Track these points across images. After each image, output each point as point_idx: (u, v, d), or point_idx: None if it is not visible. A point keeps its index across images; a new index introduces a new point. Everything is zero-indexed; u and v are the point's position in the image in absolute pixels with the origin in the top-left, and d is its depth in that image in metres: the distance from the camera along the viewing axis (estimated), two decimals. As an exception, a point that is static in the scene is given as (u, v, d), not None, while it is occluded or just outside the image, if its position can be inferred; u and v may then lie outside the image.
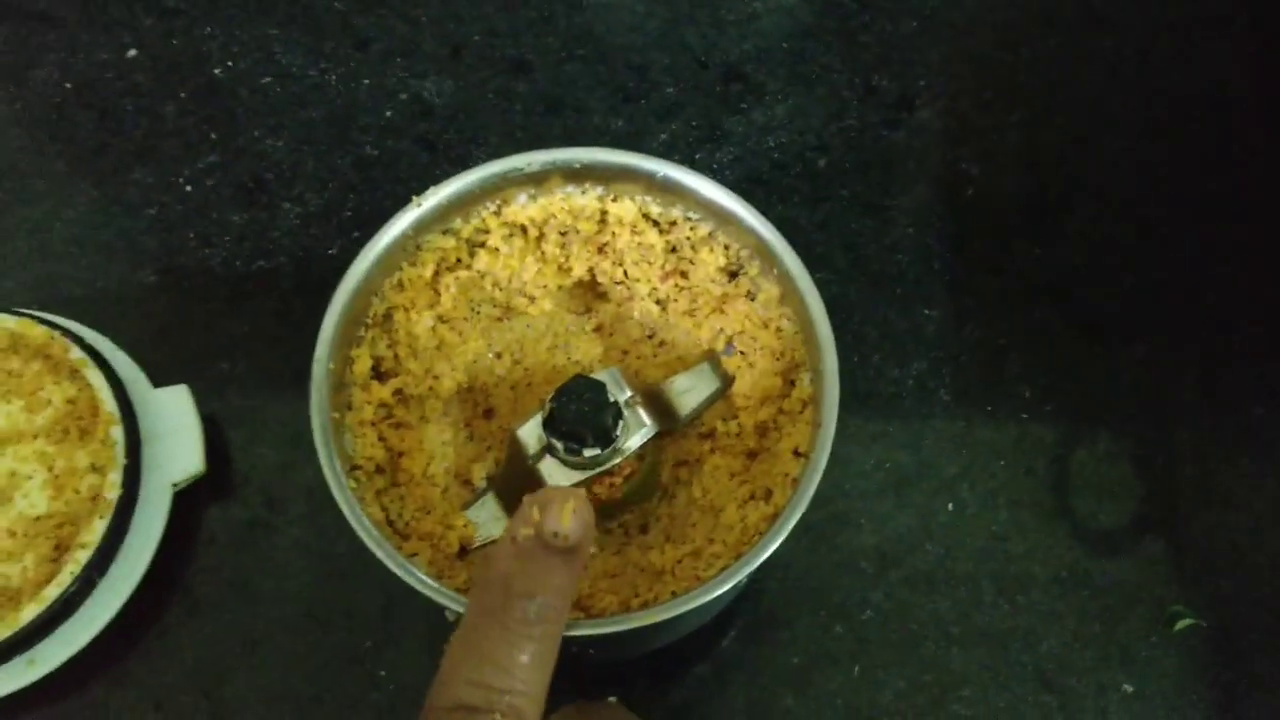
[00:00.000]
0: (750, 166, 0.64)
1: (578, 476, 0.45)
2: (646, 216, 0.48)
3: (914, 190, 0.64)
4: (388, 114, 0.66)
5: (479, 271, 0.49)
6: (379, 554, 0.39)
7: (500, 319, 0.51)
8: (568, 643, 0.36)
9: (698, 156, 0.64)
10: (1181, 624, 0.55)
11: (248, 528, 0.56)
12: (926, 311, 0.61)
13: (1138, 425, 0.58)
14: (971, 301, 0.61)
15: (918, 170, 0.64)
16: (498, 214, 0.48)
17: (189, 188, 0.64)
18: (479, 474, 0.50)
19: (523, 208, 0.48)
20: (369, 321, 0.46)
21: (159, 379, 0.57)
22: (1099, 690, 0.54)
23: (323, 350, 0.43)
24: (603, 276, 0.50)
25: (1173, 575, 0.55)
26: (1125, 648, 0.54)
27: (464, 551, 0.46)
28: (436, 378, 0.48)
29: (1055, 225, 0.63)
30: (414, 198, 0.45)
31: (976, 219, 0.63)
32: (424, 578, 0.39)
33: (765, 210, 0.44)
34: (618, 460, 0.45)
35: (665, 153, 0.63)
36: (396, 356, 0.47)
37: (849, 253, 0.62)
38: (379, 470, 0.45)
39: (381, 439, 0.46)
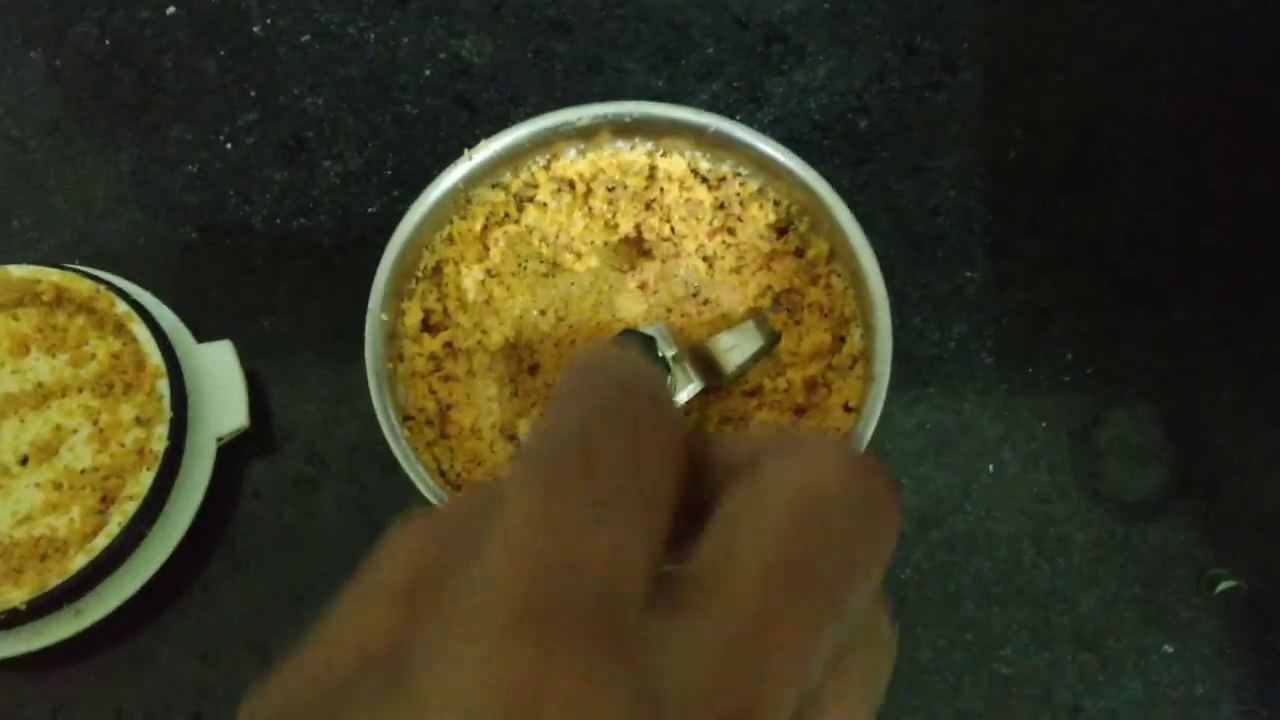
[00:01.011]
0: (791, 128, 0.64)
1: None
2: (695, 172, 0.48)
3: (956, 152, 0.63)
4: (427, 73, 0.66)
5: (527, 227, 0.49)
6: (435, 501, 0.39)
7: (546, 275, 0.51)
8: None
9: (738, 117, 0.63)
10: (1222, 586, 0.55)
11: (291, 483, 0.57)
12: (968, 274, 0.61)
13: (1178, 389, 0.58)
14: (1013, 264, 0.61)
15: (960, 132, 0.64)
16: (547, 169, 0.48)
17: (229, 145, 0.64)
18: (524, 429, 0.50)
19: (572, 163, 0.48)
20: (419, 274, 0.46)
21: (202, 335, 0.57)
22: (1139, 651, 0.54)
23: (376, 301, 0.43)
24: (649, 233, 0.50)
25: (1212, 539, 0.55)
26: (1165, 609, 0.54)
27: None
28: (485, 332, 0.49)
29: (1098, 187, 0.63)
30: (466, 151, 0.45)
31: (1018, 181, 0.63)
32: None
33: (809, 170, 0.44)
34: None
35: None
36: (445, 310, 0.47)
37: (890, 215, 0.62)
38: (429, 422, 0.46)
39: (432, 391, 0.46)
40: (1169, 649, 0.54)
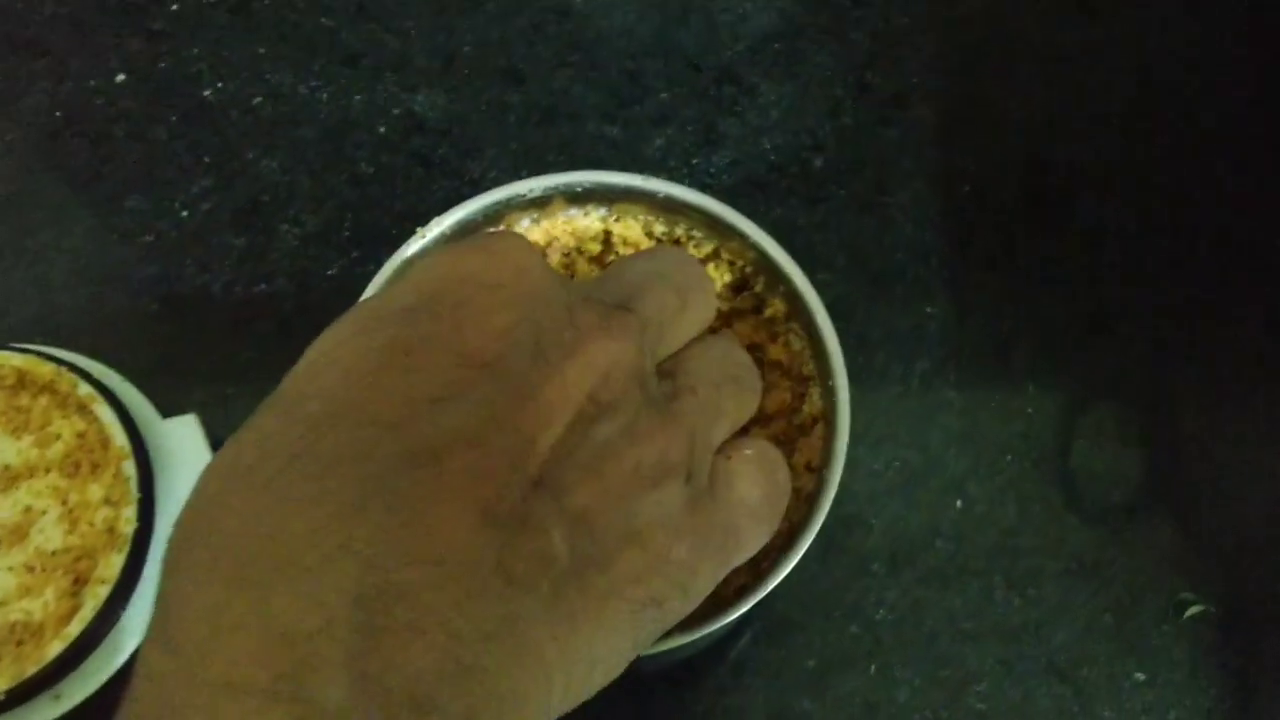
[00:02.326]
0: (748, 169, 0.64)
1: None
2: (650, 235, 0.48)
3: (911, 187, 0.64)
4: (381, 130, 0.66)
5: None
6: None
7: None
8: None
9: (694, 161, 0.64)
10: (1191, 611, 0.55)
11: (263, 553, 0.56)
12: (929, 309, 0.61)
13: (1143, 415, 0.59)
14: (973, 296, 0.62)
15: (914, 167, 0.65)
16: (502, 239, 0.48)
17: (185, 213, 0.64)
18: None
19: (526, 231, 0.48)
20: (379, 353, 0.46)
21: (166, 408, 0.57)
22: (1111, 679, 0.54)
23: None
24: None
25: (1181, 563, 0.56)
26: (1136, 637, 0.55)
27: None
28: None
29: (1054, 218, 0.64)
30: (418, 229, 0.45)
31: (975, 214, 0.64)
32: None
33: (764, 212, 0.45)
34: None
35: (661, 158, 0.64)
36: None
37: (849, 252, 0.63)
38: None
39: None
40: (1141, 676, 0.54)
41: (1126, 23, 0.69)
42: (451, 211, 0.46)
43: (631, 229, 0.48)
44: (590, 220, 0.48)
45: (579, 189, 0.46)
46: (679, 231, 0.48)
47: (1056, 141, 0.66)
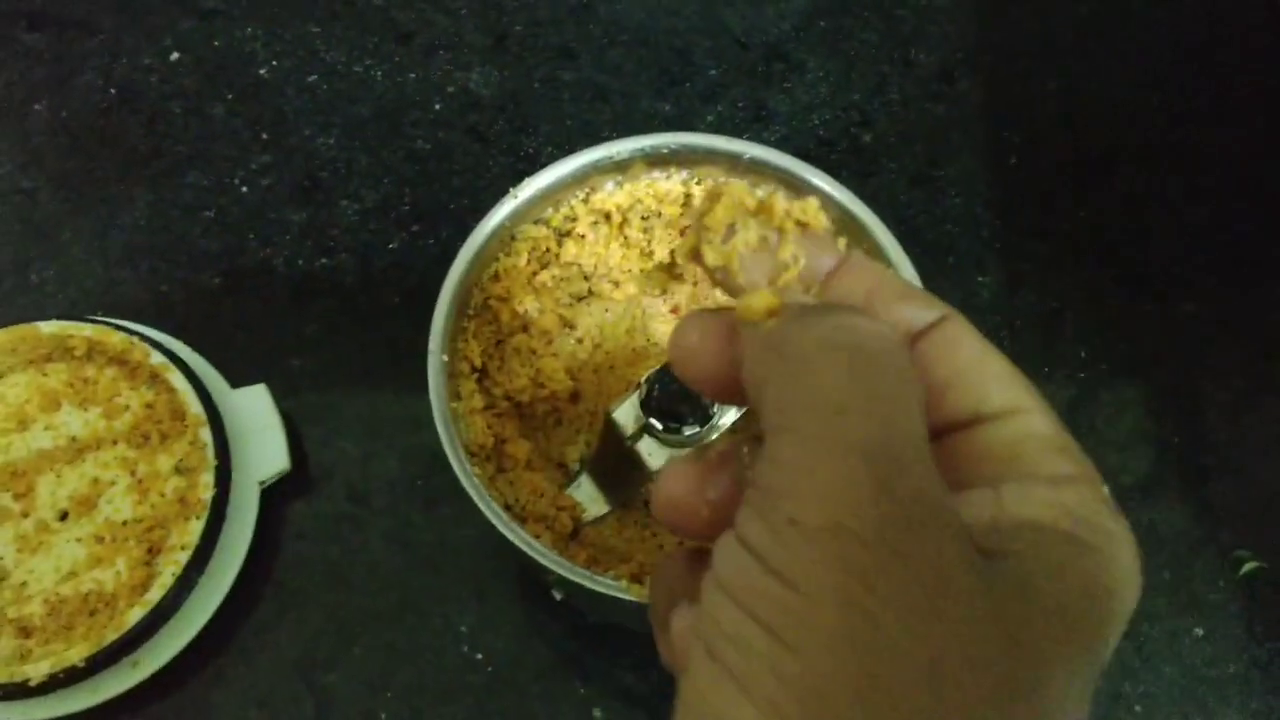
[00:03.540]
0: (797, 145, 0.65)
1: (676, 455, 0.46)
2: (731, 198, 0.49)
3: (959, 161, 0.65)
4: (436, 107, 0.66)
5: (568, 261, 0.50)
6: (515, 539, 0.40)
7: (583, 302, 0.52)
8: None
9: (745, 137, 0.65)
10: (1246, 568, 0.57)
11: (334, 521, 0.57)
12: (980, 279, 0.63)
13: (1194, 378, 0.60)
14: (1023, 267, 0.63)
15: (961, 141, 0.66)
16: (585, 202, 0.49)
17: (244, 189, 0.64)
18: (572, 456, 0.51)
19: (610, 195, 0.49)
20: (470, 313, 0.47)
21: (233, 380, 0.58)
22: (1172, 635, 0.56)
23: (435, 343, 0.44)
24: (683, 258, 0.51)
25: (1236, 521, 0.57)
26: (1194, 593, 0.56)
27: (576, 532, 0.47)
28: (539, 369, 0.50)
29: (1100, 187, 0.65)
30: (511, 190, 0.46)
31: (1022, 185, 0.65)
32: (560, 560, 0.40)
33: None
34: (714, 437, 0.46)
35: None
36: (499, 344, 0.48)
37: (900, 225, 0.63)
38: (488, 458, 0.46)
39: (488, 427, 0.47)
40: (1200, 632, 0.56)
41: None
42: (542, 173, 0.47)
43: (712, 192, 0.49)
44: (672, 183, 0.49)
45: (665, 150, 0.47)
46: (759, 193, 0.49)
47: (1098, 113, 0.67)
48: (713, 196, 0.28)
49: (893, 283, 0.26)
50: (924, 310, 0.25)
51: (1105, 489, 0.24)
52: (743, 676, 0.20)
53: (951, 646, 0.19)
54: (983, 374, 0.25)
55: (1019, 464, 0.24)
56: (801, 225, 0.27)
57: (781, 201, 0.27)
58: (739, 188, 0.27)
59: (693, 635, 0.22)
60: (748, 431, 0.50)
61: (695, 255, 0.28)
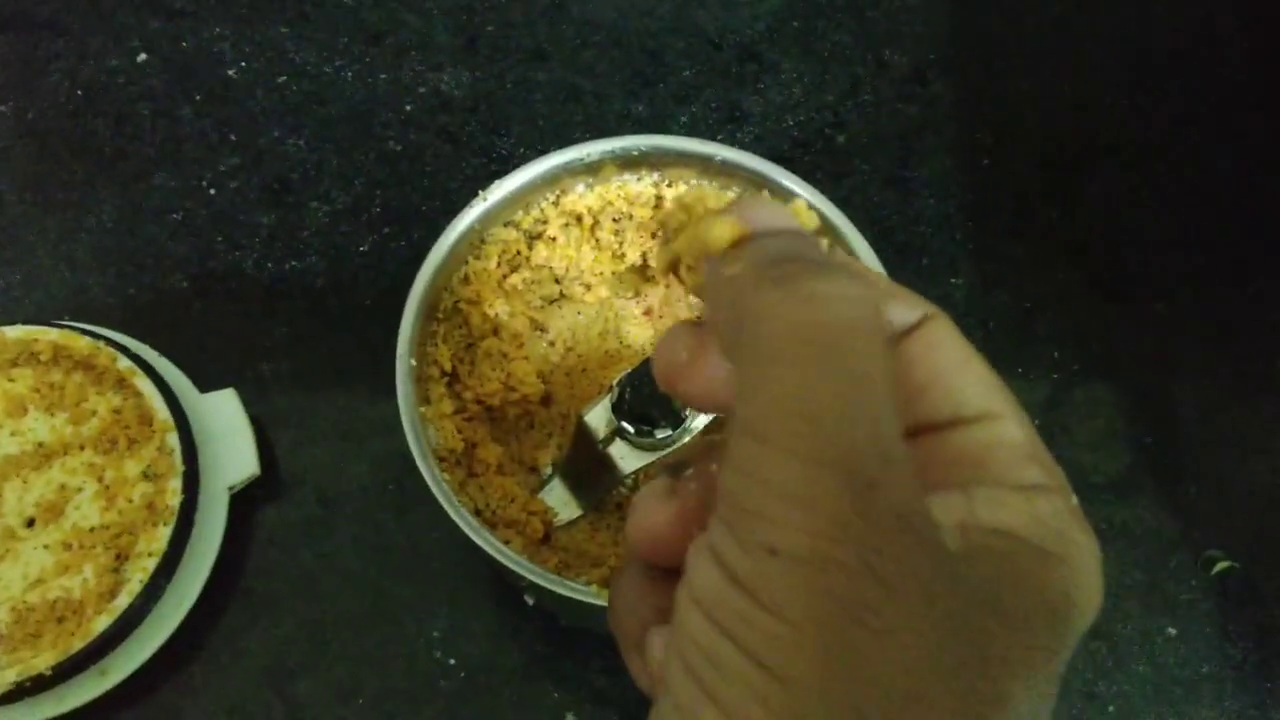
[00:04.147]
0: (771, 146, 0.65)
1: (649, 458, 0.46)
2: (702, 200, 0.49)
3: (932, 162, 0.65)
4: (407, 108, 0.66)
5: (539, 264, 0.49)
6: (485, 546, 0.40)
7: (554, 305, 0.52)
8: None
9: (719, 138, 0.65)
10: (1219, 567, 0.57)
11: (305, 527, 0.57)
12: (953, 280, 0.63)
13: (1166, 379, 0.61)
14: (996, 268, 0.63)
15: (935, 142, 0.66)
16: (556, 204, 0.49)
17: (213, 191, 0.64)
18: (544, 460, 0.51)
19: (580, 197, 0.49)
20: (439, 316, 0.47)
21: (201, 385, 0.57)
22: (1144, 635, 0.56)
23: (403, 347, 0.43)
24: (660, 272, 0.51)
25: (1208, 521, 0.58)
26: (1166, 593, 0.56)
27: (548, 536, 0.46)
28: (509, 373, 0.49)
29: (1073, 187, 0.65)
30: (480, 192, 0.46)
31: (995, 186, 0.65)
32: (531, 565, 0.40)
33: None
34: (685, 440, 0.46)
35: (686, 135, 0.65)
36: (469, 348, 0.48)
37: (873, 227, 0.64)
38: (458, 463, 0.46)
39: (458, 431, 0.46)
40: (1173, 631, 0.56)
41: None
42: (511, 176, 0.46)
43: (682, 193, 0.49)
44: (643, 185, 0.49)
45: (635, 152, 0.47)
46: (731, 196, 0.48)
47: (1070, 114, 0.67)
48: (682, 208, 0.26)
49: (877, 282, 0.25)
50: (907, 310, 0.24)
51: (1074, 499, 0.23)
52: (726, 701, 0.19)
53: (929, 668, 0.19)
54: (962, 378, 0.24)
55: (990, 469, 0.23)
56: None
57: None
58: (709, 197, 0.26)
59: (669, 650, 0.21)
60: (716, 435, 0.50)
61: (671, 268, 0.26)
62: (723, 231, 0.22)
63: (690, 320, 0.25)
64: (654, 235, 0.50)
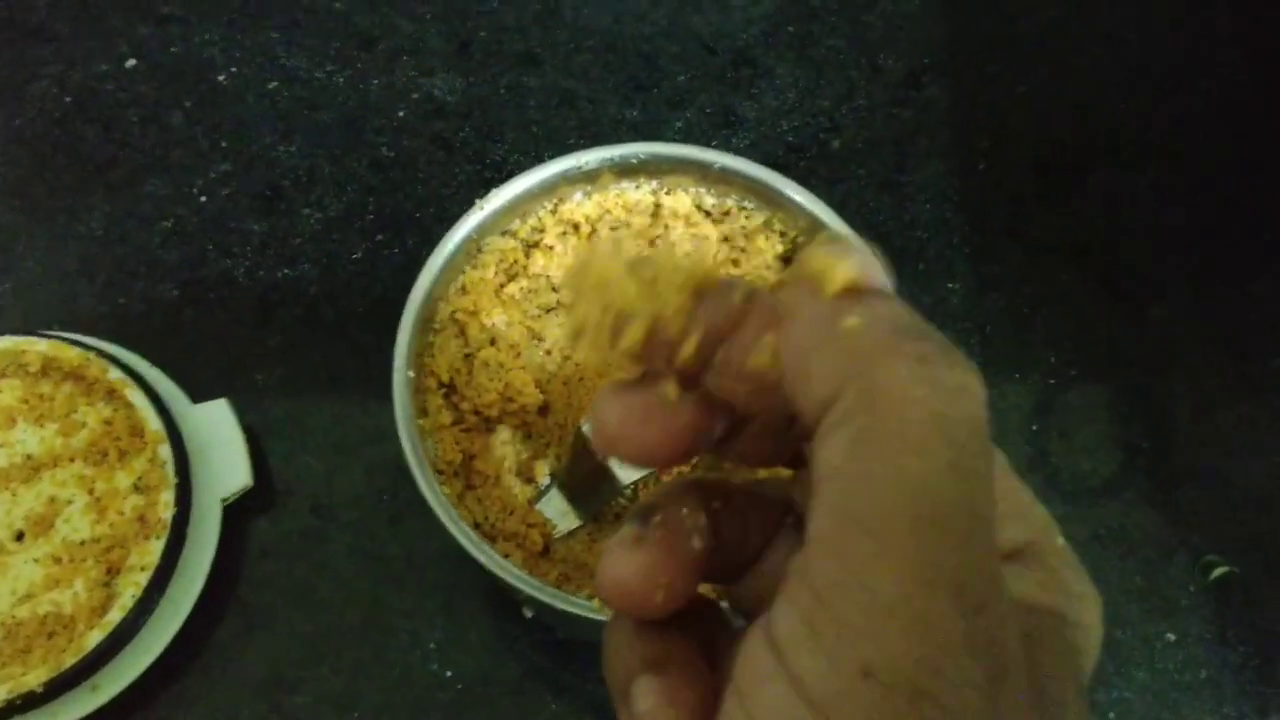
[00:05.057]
0: (766, 151, 0.65)
1: (647, 469, 0.45)
2: (700, 208, 0.49)
3: (927, 166, 0.65)
4: (400, 114, 0.65)
5: (536, 273, 0.49)
6: (484, 560, 0.40)
7: (551, 313, 0.51)
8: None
9: (714, 143, 0.65)
10: (1216, 573, 0.57)
11: (299, 538, 0.56)
12: (950, 284, 0.62)
13: (1163, 382, 0.60)
14: (992, 271, 0.63)
15: (929, 146, 0.66)
16: (553, 213, 0.48)
17: (204, 198, 0.63)
18: (542, 471, 0.50)
19: (578, 205, 0.48)
20: (436, 327, 0.46)
21: (194, 394, 0.57)
22: (1144, 641, 0.56)
23: (401, 360, 0.43)
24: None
25: (1206, 525, 0.57)
26: (1166, 598, 0.56)
27: (547, 548, 0.46)
28: (508, 382, 0.49)
29: (1068, 190, 0.65)
30: (477, 201, 0.45)
31: (991, 190, 0.65)
32: (531, 580, 0.39)
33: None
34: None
35: (681, 141, 0.64)
36: (467, 358, 0.47)
37: (869, 231, 0.63)
38: (456, 474, 0.46)
39: (456, 443, 0.46)
40: (1171, 637, 0.56)
41: None
42: (509, 184, 0.46)
43: (681, 201, 0.48)
44: (641, 194, 0.48)
45: (633, 160, 0.47)
46: (730, 203, 0.48)
47: (1065, 117, 0.67)
48: (579, 271, 0.22)
49: None
50: None
51: (1060, 541, 0.22)
52: None
53: None
54: None
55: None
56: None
57: (673, 266, 0.21)
58: (605, 258, 0.22)
59: None
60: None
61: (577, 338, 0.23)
62: (844, 273, 0.19)
63: (621, 381, 0.23)
64: (652, 243, 0.50)
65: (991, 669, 0.17)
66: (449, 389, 0.47)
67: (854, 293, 0.19)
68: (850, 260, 0.20)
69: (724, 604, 0.26)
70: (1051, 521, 0.23)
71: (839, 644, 0.17)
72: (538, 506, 0.48)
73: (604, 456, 0.42)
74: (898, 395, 0.18)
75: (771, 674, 0.18)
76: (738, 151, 0.64)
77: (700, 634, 0.24)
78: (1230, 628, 0.56)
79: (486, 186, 0.48)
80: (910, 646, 0.17)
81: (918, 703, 0.17)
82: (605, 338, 0.21)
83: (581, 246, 0.50)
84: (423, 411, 0.45)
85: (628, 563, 0.23)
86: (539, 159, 0.50)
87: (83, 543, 0.53)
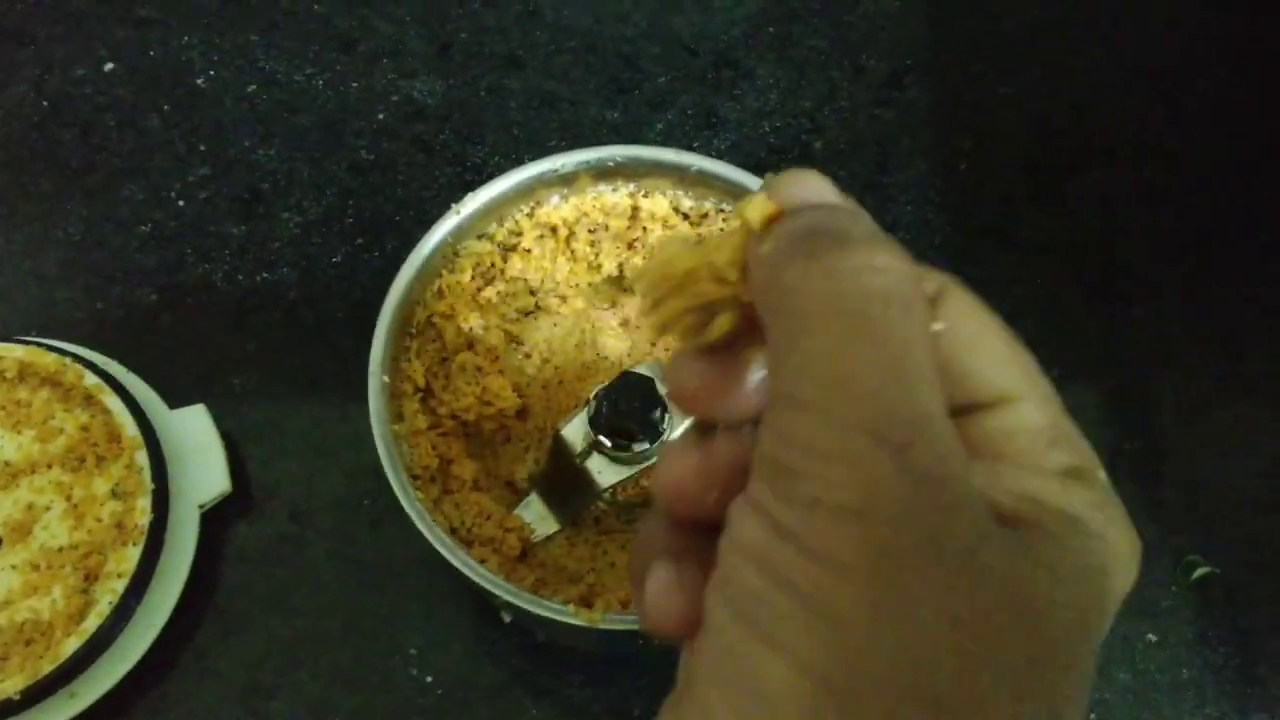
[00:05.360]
0: (748, 152, 0.65)
1: (627, 472, 0.45)
2: (677, 210, 0.48)
3: (910, 167, 0.65)
4: (380, 116, 0.65)
5: (514, 276, 0.49)
6: (460, 565, 0.39)
7: (530, 317, 0.51)
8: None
9: (695, 145, 0.65)
10: (1198, 573, 0.57)
11: (277, 543, 0.56)
12: (931, 286, 0.62)
13: (1147, 384, 0.60)
14: (975, 272, 0.62)
15: (912, 147, 0.66)
16: (530, 216, 0.48)
17: (182, 202, 0.63)
18: (520, 475, 0.50)
19: (555, 209, 0.48)
20: (413, 331, 0.46)
21: (171, 399, 0.56)
22: (1125, 641, 0.56)
23: (376, 364, 0.43)
24: (631, 271, 0.50)
25: (1188, 526, 0.57)
26: (1147, 599, 0.56)
27: (525, 553, 0.46)
28: (484, 386, 0.49)
29: (1051, 191, 0.65)
30: (453, 205, 0.45)
31: (974, 191, 0.65)
32: (507, 585, 0.39)
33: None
34: (665, 453, 0.45)
35: (663, 142, 0.64)
36: (444, 362, 0.47)
37: (851, 232, 0.63)
38: (433, 479, 0.45)
39: (433, 447, 0.46)
40: (1153, 637, 0.56)
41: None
42: (485, 188, 0.46)
43: (659, 204, 0.48)
44: (618, 197, 0.48)
45: (610, 163, 0.47)
46: (708, 206, 0.48)
47: (1051, 116, 0.67)
48: (657, 273, 0.25)
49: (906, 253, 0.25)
50: (925, 284, 0.24)
51: (1102, 475, 0.24)
52: (774, 637, 0.20)
53: (976, 616, 0.20)
54: (978, 358, 0.24)
55: (1012, 458, 0.23)
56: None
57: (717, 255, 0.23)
58: (680, 257, 0.24)
59: (711, 599, 0.22)
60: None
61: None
62: (755, 211, 0.22)
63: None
64: (630, 246, 0.50)
65: (930, 497, 0.20)
66: (426, 393, 0.47)
67: (772, 222, 0.22)
68: (755, 199, 0.23)
69: None
70: (1095, 456, 0.24)
71: (788, 488, 0.20)
72: (516, 511, 0.48)
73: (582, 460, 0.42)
74: (790, 288, 0.21)
75: (746, 511, 0.21)
76: (720, 153, 0.64)
77: None
78: (1212, 628, 0.56)
79: (467, 189, 0.48)
80: (844, 477, 0.20)
81: (866, 521, 0.20)
82: (694, 331, 0.24)
83: (560, 249, 0.49)
84: (399, 417, 0.44)
85: (688, 463, 0.25)
86: (520, 161, 0.50)
87: (61, 549, 0.53)
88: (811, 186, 0.24)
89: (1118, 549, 0.23)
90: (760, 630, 0.21)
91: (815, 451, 0.20)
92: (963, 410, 0.23)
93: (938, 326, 0.24)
